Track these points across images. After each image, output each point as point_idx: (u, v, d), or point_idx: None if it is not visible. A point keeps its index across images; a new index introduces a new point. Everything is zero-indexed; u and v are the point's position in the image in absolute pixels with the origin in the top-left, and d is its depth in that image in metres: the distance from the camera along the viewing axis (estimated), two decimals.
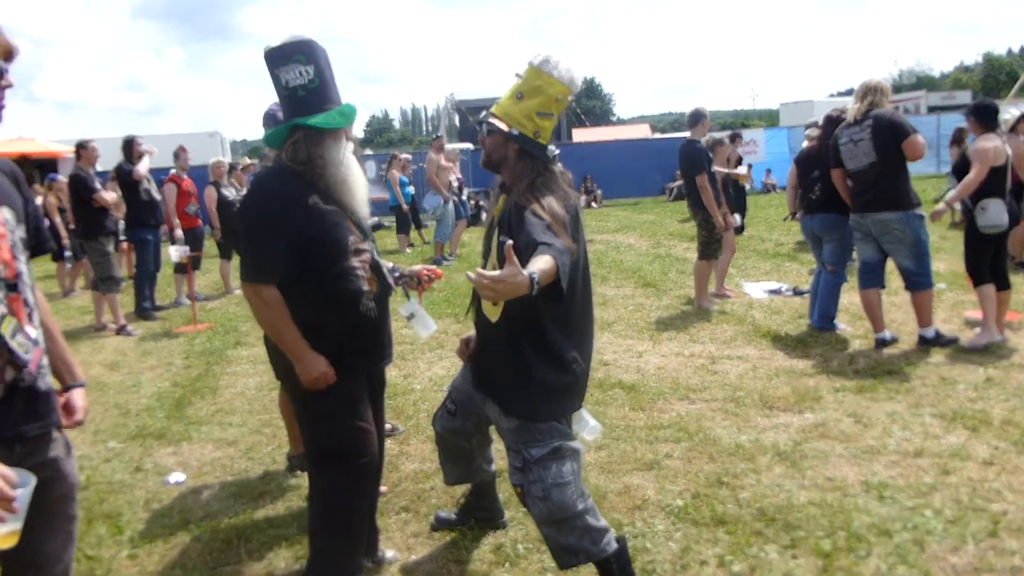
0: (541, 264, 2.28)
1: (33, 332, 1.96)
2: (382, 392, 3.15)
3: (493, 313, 2.73)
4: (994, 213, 5.71)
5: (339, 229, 2.71)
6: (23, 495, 1.76)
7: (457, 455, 3.29)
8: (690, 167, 7.63)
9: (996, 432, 4.18)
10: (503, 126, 2.74)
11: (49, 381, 2.03)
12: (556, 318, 2.69)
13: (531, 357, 2.69)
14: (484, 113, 2.86)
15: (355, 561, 2.86)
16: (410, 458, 4.30)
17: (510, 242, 2.24)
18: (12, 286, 1.92)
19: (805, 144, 7.73)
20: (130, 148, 8.83)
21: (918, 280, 5.75)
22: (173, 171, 9.85)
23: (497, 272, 2.13)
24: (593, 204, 21.60)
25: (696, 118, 7.91)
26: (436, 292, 9.49)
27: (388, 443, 4.51)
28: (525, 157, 2.76)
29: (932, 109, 34.25)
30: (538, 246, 2.38)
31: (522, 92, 2.73)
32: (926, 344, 5.78)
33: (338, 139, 2.74)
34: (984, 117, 5.99)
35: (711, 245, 7.75)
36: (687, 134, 8.03)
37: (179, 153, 9.90)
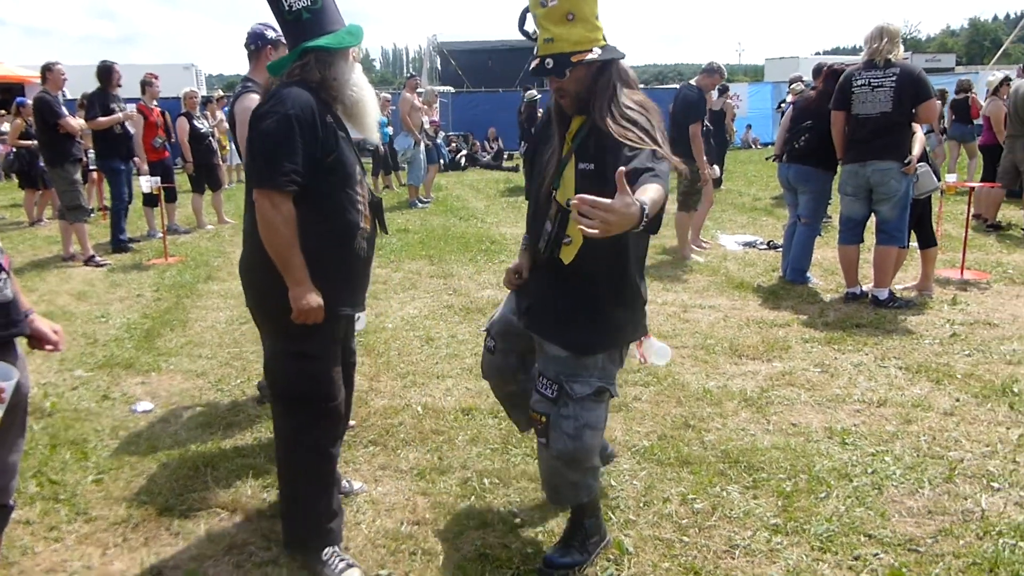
0: (652, 194, 2.10)
1: None
2: (353, 333, 3.10)
3: (567, 254, 2.52)
4: (926, 179, 5.78)
5: (347, 154, 2.65)
6: (8, 387, 1.85)
7: (515, 401, 3.02)
8: (687, 113, 7.29)
9: (958, 384, 4.27)
10: (582, 55, 2.39)
11: (9, 293, 1.99)
12: (639, 256, 2.58)
13: (607, 295, 2.55)
14: (539, 61, 2.45)
15: (331, 502, 2.76)
16: (379, 394, 4.31)
17: (623, 169, 2.01)
18: None
19: (790, 98, 7.69)
20: (108, 76, 8.53)
21: (896, 235, 5.75)
22: (141, 101, 9.55)
23: (608, 200, 1.91)
24: None
25: (711, 71, 7.62)
26: (412, 234, 9.44)
27: (358, 379, 4.51)
28: (609, 71, 2.45)
29: None
30: (642, 174, 2.18)
31: (572, 12, 2.37)
32: (879, 305, 5.79)
33: (348, 60, 2.67)
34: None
35: (692, 196, 7.69)
36: (674, 86, 7.92)
37: (149, 81, 9.55)
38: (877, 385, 4.29)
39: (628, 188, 1.96)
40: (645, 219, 2.00)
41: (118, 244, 8.87)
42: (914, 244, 6.39)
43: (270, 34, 3.79)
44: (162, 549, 2.84)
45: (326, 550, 2.69)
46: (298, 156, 2.47)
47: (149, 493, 3.25)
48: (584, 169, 2.47)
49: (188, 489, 3.27)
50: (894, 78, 5.55)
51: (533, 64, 2.48)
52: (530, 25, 2.54)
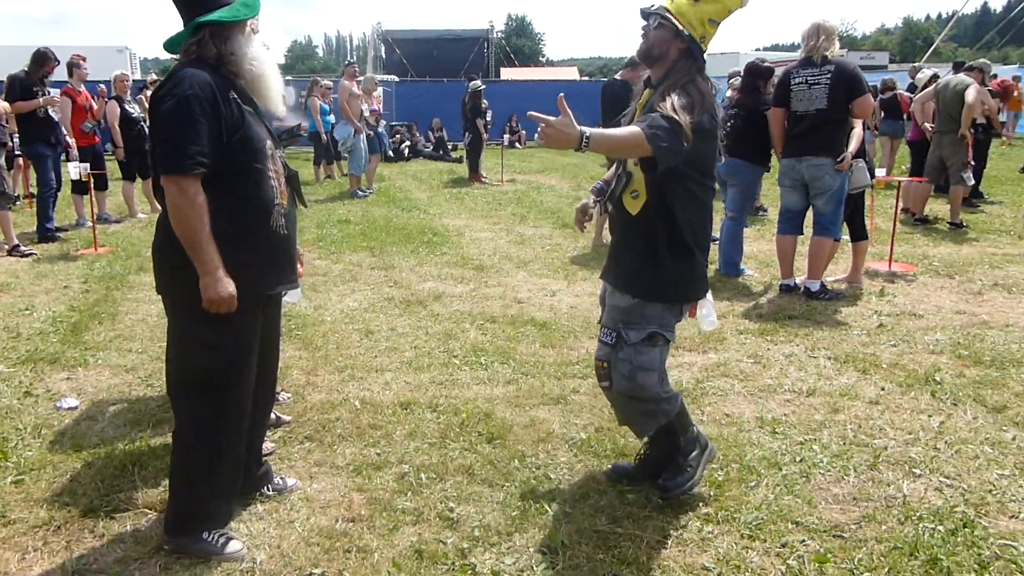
0: (609, 131, 2.60)
1: None
2: (279, 316, 3.05)
3: (633, 207, 2.87)
4: (860, 174, 5.96)
5: (255, 129, 2.60)
6: None
7: None
8: (613, 105, 7.45)
9: (884, 374, 4.41)
10: (677, 24, 2.75)
11: None
12: (691, 222, 2.85)
13: (662, 247, 2.83)
14: (655, 6, 2.84)
15: (217, 499, 2.72)
16: (317, 389, 4.25)
17: (561, 94, 2.52)
18: None
19: (729, 93, 7.82)
20: (42, 63, 8.19)
21: (831, 228, 5.89)
22: (68, 84, 9.19)
23: (551, 118, 2.42)
24: (517, 144, 21.45)
25: (635, 64, 7.69)
26: (353, 225, 9.32)
27: (295, 373, 4.45)
28: (686, 57, 2.80)
29: None
30: (631, 121, 2.68)
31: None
32: (810, 296, 5.93)
33: (246, 33, 2.61)
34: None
35: None
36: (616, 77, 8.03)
37: (76, 63, 9.19)
38: (807, 375, 4.41)
39: (570, 113, 2.44)
40: (585, 142, 2.46)
41: (45, 233, 8.54)
42: (845, 237, 6.57)
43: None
44: (85, 552, 2.75)
45: (205, 532, 2.68)
46: (202, 137, 2.43)
47: (72, 494, 3.14)
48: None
49: (114, 489, 3.17)
50: (829, 75, 5.67)
51: (644, 4, 2.87)
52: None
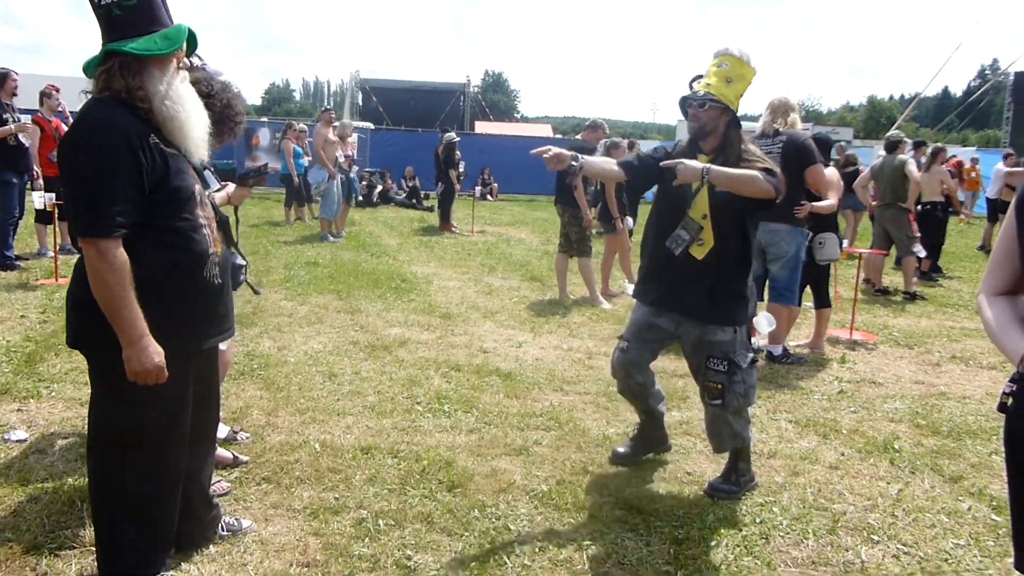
0: (728, 170, 3.33)
1: None
2: (215, 364, 2.91)
3: (700, 253, 3.51)
4: (830, 248, 6.18)
5: (183, 176, 2.42)
6: None
7: (637, 392, 3.88)
8: None
9: (843, 439, 4.45)
10: (721, 104, 3.47)
11: None
12: (748, 248, 3.60)
13: (740, 279, 3.59)
14: (700, 91, 3.50)
15: (148, 549, 2.60)
16: (277, 430, 4.17)
17: (539, 149, 3.56)
18: None
19: None
20: (2, 83, 8.15)
21: (785, 295, 6.02)
22: (38, 113, 9.11)
23: (685, 160, 3.28)
24: (489, 196, 21.65)
25: (595, 127, 8.45)
26: (321, 268, 9.28)
27: (254, 414, 4.37)
28: (733, 128, 3.55)
29: None
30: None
31: (731, 77, 3.47)
32: (772, 360, 6.01)
33: (164, 68, 2.38)
34: (819, 151, 6.39)
35: (586, 242, 8.12)
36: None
37: (48, 93, 9.12)
38: (768, 437, 4.44)
39: (694, 159, 3.40)
40: (705, 175, 3.25)
41: (3, 261, 8.37)
42: (809, 304, 6.70)
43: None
44: None
45: None
46: (120, 195, 2.25)
47: (16, 529, 3.02)
48: (721, 191, 3.42)
49: (60, 525, 3.07)
50: (780, 145, 5.86)
51: (689, 92, 3.57)
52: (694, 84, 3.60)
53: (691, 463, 4.02)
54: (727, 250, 3.51)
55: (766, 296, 6.22)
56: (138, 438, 2.51)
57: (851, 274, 9.80)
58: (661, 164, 3.26)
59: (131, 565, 2.58)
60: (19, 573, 2.75)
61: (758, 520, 3.41)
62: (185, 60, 2.52)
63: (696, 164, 3.26)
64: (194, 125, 2.47)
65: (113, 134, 2.26)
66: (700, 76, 3.59)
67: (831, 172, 6.20)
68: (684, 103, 3.63)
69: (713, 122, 3.52)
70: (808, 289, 6.51)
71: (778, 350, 6.04)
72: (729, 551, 3.13)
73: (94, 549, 2.87)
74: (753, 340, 3.78)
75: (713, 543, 3.18)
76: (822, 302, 6.48)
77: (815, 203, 5.89)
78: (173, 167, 2.39)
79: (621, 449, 4.01)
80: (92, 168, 2.25)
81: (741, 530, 3.31)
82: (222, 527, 3.01)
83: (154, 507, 2.60)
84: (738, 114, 3.55)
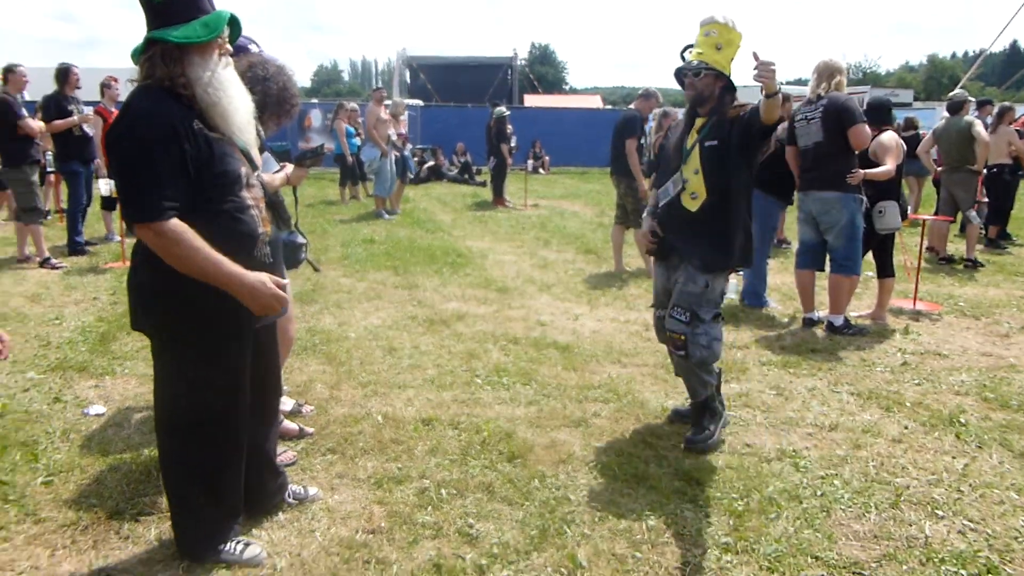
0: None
1: None
2: (275, 341, 2.99)
3: (692, 205, 3.72)
4: (890, 217, 6.00)
5: (229, 160, 2.45)
6: None
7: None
8: (622, 130, 7.88)
9: (907, 412, 4.38)
10: (715, 70, 3.60)
11: None
12: (740, 204, 3.72)
13: (733, 227, 3.69)
14: (694, 61, 3.63)
15: (222, 518, 2.73)
16: (340, 403, 4.29)
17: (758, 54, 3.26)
18: None
19: None
20: (66, 78, 8.42)
21: (846, 264, 5.89)
22: (100, 104, 9.39)
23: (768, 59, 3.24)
24: (540, 170, 21.58)
25: (648, 96, 8.20)
26: (377, 245, 9.42)
27: (319, 387, 4.49)
28: (727, 92, 3.69)
29: None
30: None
31: (720, 44, 3.60)
32: (833, 331, 5.90)
33: (206, 55, 2.42)
34: (875, 115, 6.20)
35: (638, 213, 7.90)
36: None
37: (108, 84, 9.39)
38: (829, 410, 4.39)
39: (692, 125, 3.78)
40: (780, 87, 3.34)
41: (75, 247, 8.71)
42: (871, 273, 6.55)
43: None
44: (111, 552, 2.80)
45: (219, 546, 2.70)
46: (165, 181, 2.30)
47: (99, 496, 3.19)
48: (710, 146, 3.67)
49: (139, 493, 3.22)
50: (821, 109, 5.77)
51: (682, 63, 3.72)
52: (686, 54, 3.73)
53: (750, 435, 4.01)
54: (718, 203, 3.68)
55: (827, 267, 6.11)
56: (200, 414, 2.60)
57: (914, 242, 9.54)
58: (757, 60, 3.22)
59: (202, 534, 2.72)
60: (104, 536, 2.90)
61: (819, 493, 3.39)
62: (228, 46, 2.54)
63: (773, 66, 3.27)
64: (236, 110, 2.50)
65: (156, 122, 2.31)
66: (691, 46, 3.70)
67: (890, 136, 6.03)
68: (679, 73, 3.77)
69: (709, 88, 3.68)
70: (870, 257, 6.36)
71: (839, 320, 5.93)
72: (789, 523, 3.12)
73: (169, 515, 3.02)
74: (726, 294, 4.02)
75: (773, 515, 3.18)
76: (884, 271, 6.33)
77: (870, 170, 5.75)
78: (218, 151, 2.42)
79: (681, 408, 4.18)
80: (137, 156, 2.30)
81: (802, 503, 3.30)
82: (289, 495, 3.13)
83: (220, 478, 2.72)
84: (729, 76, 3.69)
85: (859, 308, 6.60)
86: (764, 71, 3.22)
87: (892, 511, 3.27)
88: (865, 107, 6.26)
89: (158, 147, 2.28)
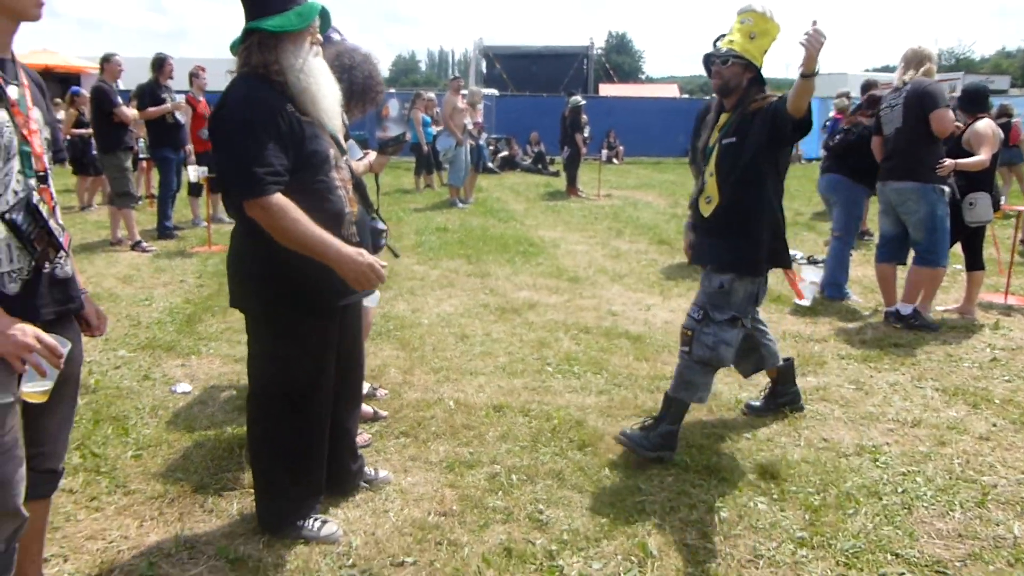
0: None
1: (60, 220, 2.03)
2: (359, 322, 3.08)
3: (706, 210, 3.57)
4: (982, 209, 5.73)
5: (318, 141, 2.57)
6: (64, 353, 1.92)
7: (745, 348, 3.78)
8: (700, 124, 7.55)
9: (996, 409, 4.20)
10: (744, 59, 3.43)
11: (69, 270, 2.08)
12: (760, 205, 3.48)
13: (754, 228, 3.47)
14: (723, 47, 3.49)
15: (303, 496, 2.83)
16: (413, 387, 4.36)
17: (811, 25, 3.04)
18: (43, 178, 1.99)
19: (832, 114, 7.63)
20: (161, 67, 8.76)
21: (927, 257, 5.63)
22: (189, 92, 9.74)
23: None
24: (614, 160, 21.41)
25: None
26: (450, 233, 9.51)
27: (392, 371, 4.58)
28: (755, 84, 3.50)
29: None
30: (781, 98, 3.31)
31: (755, 33, 3.44)
32: (897, 320, 5.66)
33: (298, 43, 2.54)
34: (972, 103, 5.89)
35: None
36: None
37: (196, 73, 9.74)
38: (912, 405, 4.24)
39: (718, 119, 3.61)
40: (818, 65, 3.08)
41: (163, 231, 9.08)
42: (960, 266, 6.29)
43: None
44: (196, 524, 2.92)
45: (299, 521, 2.79)
46: (269, 157, 2.41)
47: (185, 471, 3.34)
48: (727, 143, 3.49)
49: (222, 469, 3.35)
50: (903, 96, 5.55)
51: (712, 50, 3.56)
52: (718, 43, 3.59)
53: (827, 430, 3.91)
54: (732, 206, 3.49)
55: (909, 260, 5.89)
56: (289, 390, 2.72)
57: (1007, 235, 9.11)
58: (813, 25, 3.01)
59: (283, 509, 2.82)
60: (189, 509, 3.03)
61: (900, 490, 3.28)
62: (319, 36, 2.64)
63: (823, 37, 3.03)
64: (325, 96, 2.60)
65: (255, 104, 2.45)
66: (724, 35, 3.56)
67: (986, 124, 5.76)
68: (707, 61, 3.61)
69: (736, 78, 3.48)
70: (959, 250, 6.11)
71: (907, 310, 5.69)
72: (868, 520, 3.04)
73: (252, 491, 3.14)
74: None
75: (851, 511, 3.10)
76: (974, 264, 6.05)
77: (961, 160, 5.51)
78: (308, 133, 2.53)
79: (755, 403, 4.08)
80: (241, 136, 2.43)
81: (881, 499, 3.20)
82: (361, 480, 3.20)
83: (304, 455, 2.82)
84: (760, 69, 3.49)
85: (946, 302, 6.35)
86: (814, 40, 2.98)
87: (978, 510, 3.14)
88: (960, 93, 6.01)
89: (259, 127, 2.42)
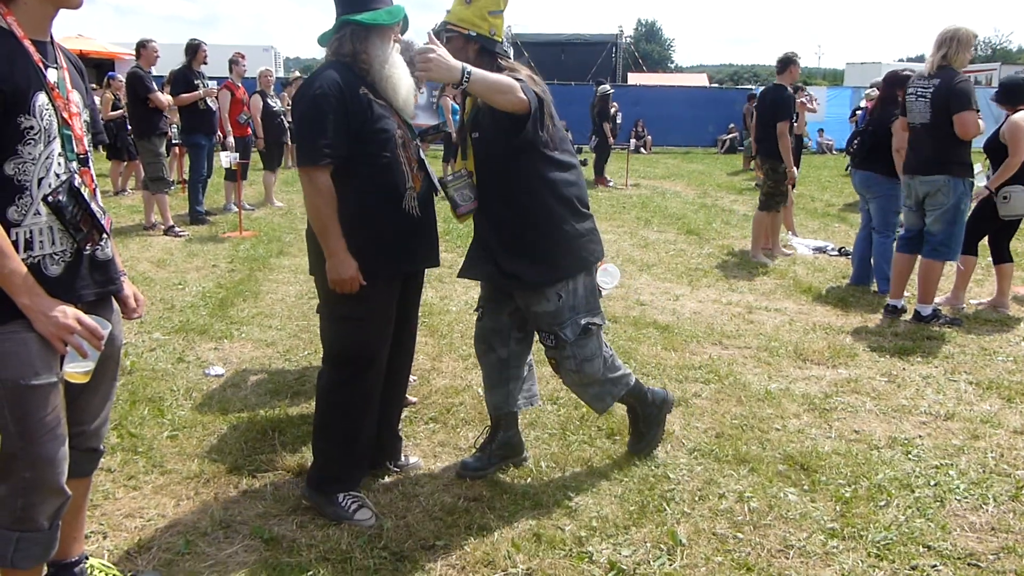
0: (491, 74, 2.74)
1: (101, 203, 2.06)
2: (418, 295, 3.25)
3: (464, 219, 3.22)
4: (1017, 202, 5.59)
5: (386, 120, 2.79)
6: (104, 335, 1.97)
7: (497, 370, 3.34)
8: (773, 112, 7.30)
9: None
10: (461, 30, 2.93)
11: (109, 252, 2.12)
12: (532, 197, 3.03)
13: (532, 235, 3.05)
14: (438, 24, 3.09)
15: (351, 464, 2.95)
16: (441, 374, 4.39)
17: (431, 30, 2.81)
18: (83, 161, 2.03)
19: (863, 104, 7.51)
20: (195, 53, 8.85)
21: (941, 250, 5.47)
22: (229, 79, 9.87)
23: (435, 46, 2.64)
24: (643, 149, 21.29)
25: (785, 63, 7.54)
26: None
27: (420, 358, 4.61)
28: (484, 55, 2.95)
29: None
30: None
31: None
32: (920, 321, 5.54)
33: (384, 37, 2.80)
34: (1011, 95, 5.75)
35: (775, 197, 7.56)
36: (749, 87, 7.91)
37: (236, 60, 9.86)
38: (945, 398, 4.19)
39: (444, 48, 2.69)
40: (466, 78, 2.62)
41: (196, 216, 9.19)
42: (988, 260, 6.19)
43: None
44: (231, 505, 2.97)
45: (340, 495, 2.88)
46: (328, 131, 2.67)
47: (220, 452, 3.40)
48: (475, 138, 3.02)
49: (256, 451, 3.40)
50: (932, 88, 5.35)
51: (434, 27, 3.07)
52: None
53: (859, 421, 3.88)
54: (497, 206, 3.08)
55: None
56: (359, 352, 2.87)
57: None
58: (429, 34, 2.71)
59: (336, 476, 2.93)
60: (224, 489, 3.09)
61: (932, 483, 3.26)
62: (400, 35, 2.93)
63: (453, 61, 2.63)
64: (402, 85, 2.87)
65: (326, 85, 2.68)
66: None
67: (1022, 118, 5.60)
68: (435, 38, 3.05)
69: (460, 54, 2.84)
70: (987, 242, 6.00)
71: (926, 311, 5.55)
72: (900, 512, 3.02)
73: (286, 473, 3.19)
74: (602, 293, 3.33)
75: (883, 503, 3.08)
76: (1001, 257, 5.93)
77: (994, 178, 5.51)
78: (378, 112, 2.76)
79: (469, 460, 3.29)
80: (308, 112, 2.70)
81: (914, 491, 3.18)
82: (391, 463, 3.25)
83: (359, 419, 2.93)
84: (496, 33, 2.96)
85: (979, 296, 6.26)
86: (422, 66, 2.63)
87: (1012, 503, 3.11)
88: (998, 86, 5.85)
89: (326, 102, 2.67)
